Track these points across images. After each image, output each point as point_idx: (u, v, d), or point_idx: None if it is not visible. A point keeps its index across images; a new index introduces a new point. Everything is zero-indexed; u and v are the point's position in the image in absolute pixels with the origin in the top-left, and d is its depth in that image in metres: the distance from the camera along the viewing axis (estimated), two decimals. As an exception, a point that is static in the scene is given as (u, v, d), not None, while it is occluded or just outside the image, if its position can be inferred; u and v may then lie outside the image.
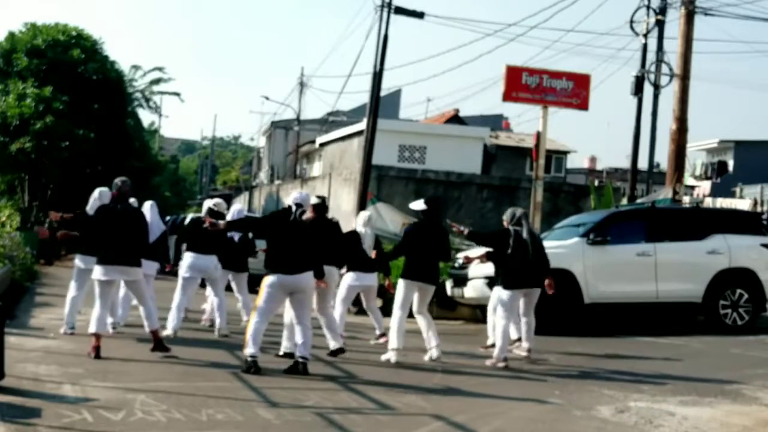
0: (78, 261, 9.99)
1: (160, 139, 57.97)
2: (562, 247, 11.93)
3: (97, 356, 8.26)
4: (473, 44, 47.28)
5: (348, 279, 10.39)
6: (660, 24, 19.77)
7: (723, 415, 6.78)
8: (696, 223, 12.96)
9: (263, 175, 48.59)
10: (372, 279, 10.51)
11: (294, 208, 8.01)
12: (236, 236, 11.16)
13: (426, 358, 9.18)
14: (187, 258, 10.53)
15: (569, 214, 17.52)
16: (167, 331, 9.84)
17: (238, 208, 11.66)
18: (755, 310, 12.55)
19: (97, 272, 8.63)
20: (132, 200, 10.66)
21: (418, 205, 9.39)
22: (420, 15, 20.49)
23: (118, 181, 8.92)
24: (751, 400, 7.46)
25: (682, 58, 18.23)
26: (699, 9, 18.45)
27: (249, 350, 7.78)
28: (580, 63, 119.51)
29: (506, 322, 9.14)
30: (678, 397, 7.51)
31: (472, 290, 12.62)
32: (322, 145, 34.11)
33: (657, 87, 19.86)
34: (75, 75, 24.86)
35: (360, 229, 10.55)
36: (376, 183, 21.52)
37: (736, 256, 12.51)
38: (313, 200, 8.65)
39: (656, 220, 12.88)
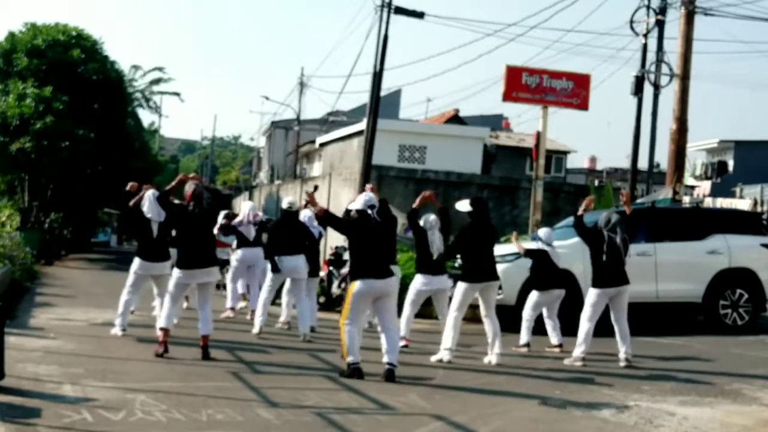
0: (136, 266, 10.06)
1: (160, 139, 57.94)
2: (562, 247, 11.89)
3: (165, 352, 8.60)
4: (473, 44, 47.44)
5: (417, 282, 10.12)
6: (660, 24, 19.77)
7: (723, 415, 6.79)
8: (696, 223, 12.96)
9: (263, 175, 48.66)
10: (442, 281, 10.10)
11: (369, 211, 7.97)
12: (316, 232, 11.41)
13: (486, 360, 9.22)
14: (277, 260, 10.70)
15: (569, 214, 17.40)
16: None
17: (308, 214, 11.49)
18: (755, 310, 12.55)
19: (177, 275, 8.82)
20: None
21: (464, 206, 9.37)
22: (420, 15, 20.52)
23: (191, 184, 8.94)
24: (751, 400, 7.47)
25: (682, 58, 18.22)
26: (699, 9, 18.43)
27: (350, 358, 7.86)
28: (580, 63, 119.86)
29: (590, 323, 9.42)
30: (678, 397, 7.51)
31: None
32: (322, 145, 34.08)
33: (657, 87, 19.85)
34: (75, 75, 24.80)
35: (429, 232, 10.16)
36: (376, 183, 21.41)
37: (736, 256, 12.51)
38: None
39: (656, 220, 12.87)
